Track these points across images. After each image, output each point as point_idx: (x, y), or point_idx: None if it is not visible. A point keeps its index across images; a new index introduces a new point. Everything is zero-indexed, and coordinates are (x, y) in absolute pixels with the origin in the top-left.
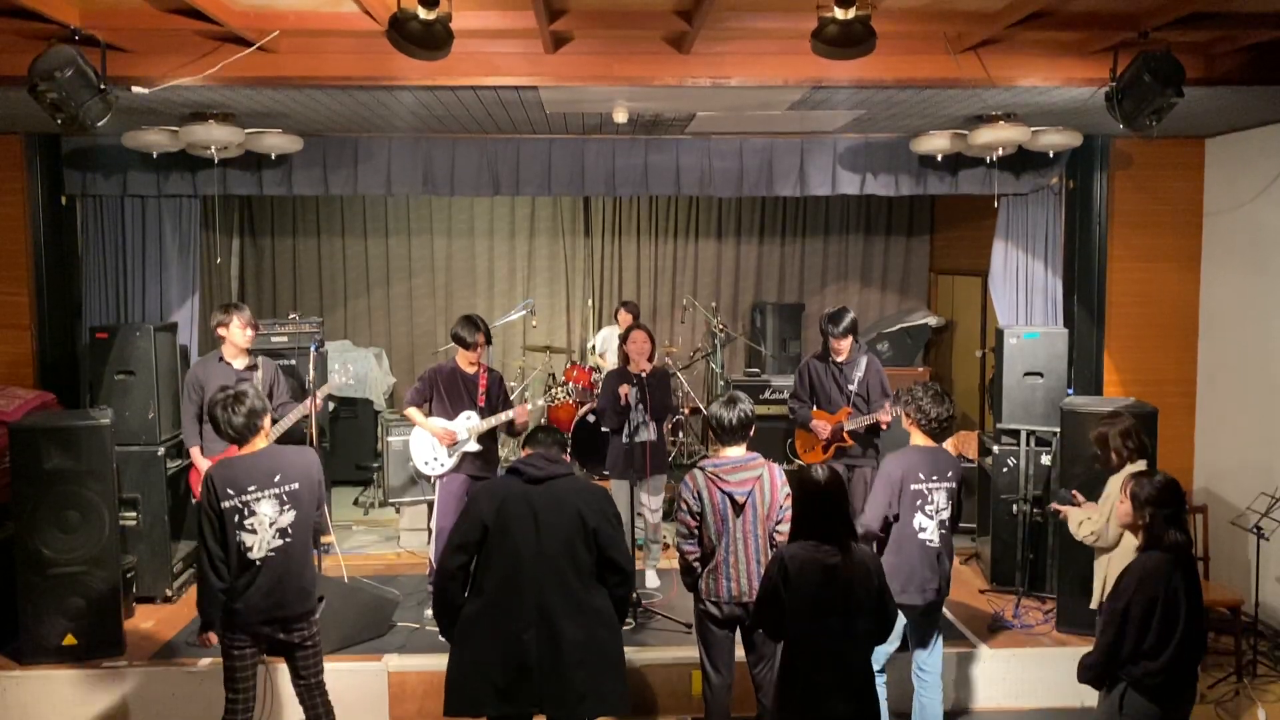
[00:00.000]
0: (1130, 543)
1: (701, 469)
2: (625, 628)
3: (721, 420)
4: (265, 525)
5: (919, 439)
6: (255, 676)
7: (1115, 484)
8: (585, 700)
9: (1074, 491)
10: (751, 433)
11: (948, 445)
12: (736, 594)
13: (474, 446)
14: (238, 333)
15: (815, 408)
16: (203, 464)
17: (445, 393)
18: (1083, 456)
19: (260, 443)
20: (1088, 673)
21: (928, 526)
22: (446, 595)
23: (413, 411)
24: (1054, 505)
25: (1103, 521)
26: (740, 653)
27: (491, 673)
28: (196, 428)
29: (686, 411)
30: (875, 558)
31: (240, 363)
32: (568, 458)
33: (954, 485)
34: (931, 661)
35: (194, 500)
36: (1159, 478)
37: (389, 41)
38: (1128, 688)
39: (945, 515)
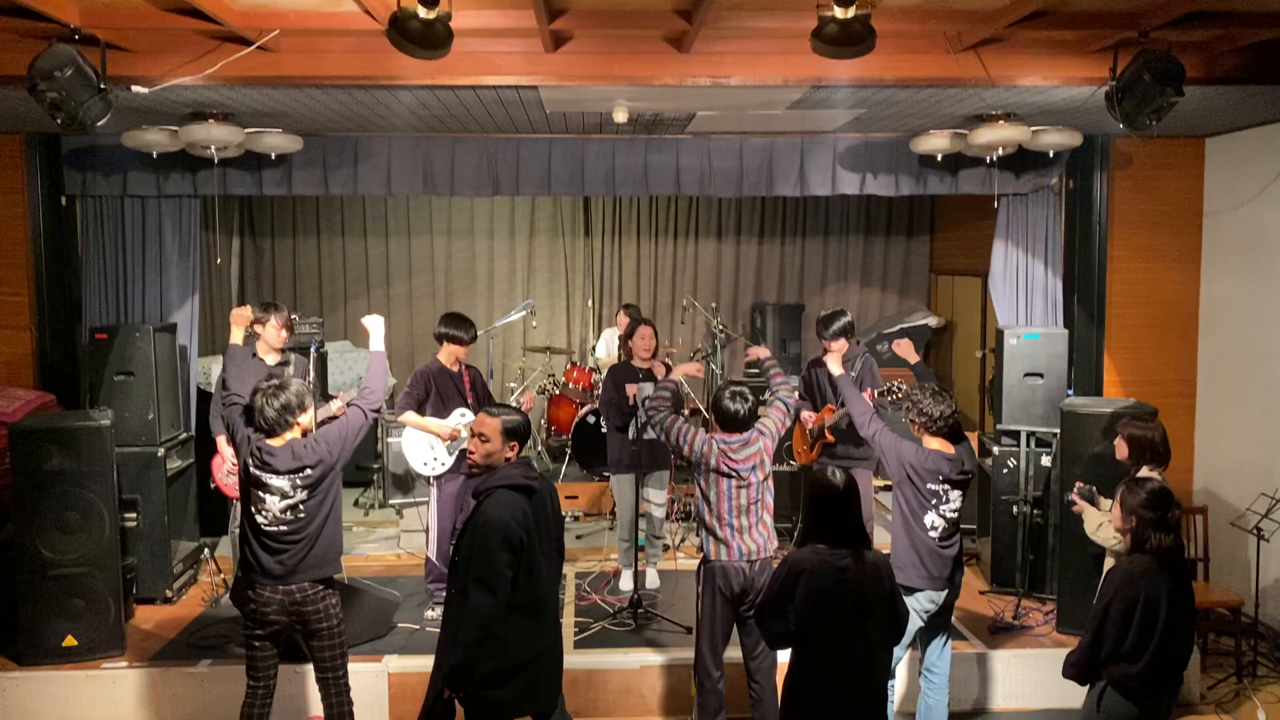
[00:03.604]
0: None
1: (714, 438)
2: (625, 628)
3: (736, 413)
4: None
5: (933, 443)
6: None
7: None
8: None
9: (1093, 487)
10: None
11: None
12: (747, 553)
13: None
14: (272, 333)
15: (815, 408)
16: (227, 451)
17: (439, 392)
18: (1083, 457)
19: (290, 435)
20: (1070, 669)
21: (939, 525)
22: (483, 636)
23: (410, 416)
24: (1073, 495)
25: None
26: (734, 654)
27: (541, 686)
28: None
29: (687, 412)
30: (886, 560)
31: (273, 359)
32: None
33: (968, 481)
34: (941, 664)
35: (212, 486)
36: (1149, 484)
37: (389, 41)
38: (1107, 686)
39: (956, 516)
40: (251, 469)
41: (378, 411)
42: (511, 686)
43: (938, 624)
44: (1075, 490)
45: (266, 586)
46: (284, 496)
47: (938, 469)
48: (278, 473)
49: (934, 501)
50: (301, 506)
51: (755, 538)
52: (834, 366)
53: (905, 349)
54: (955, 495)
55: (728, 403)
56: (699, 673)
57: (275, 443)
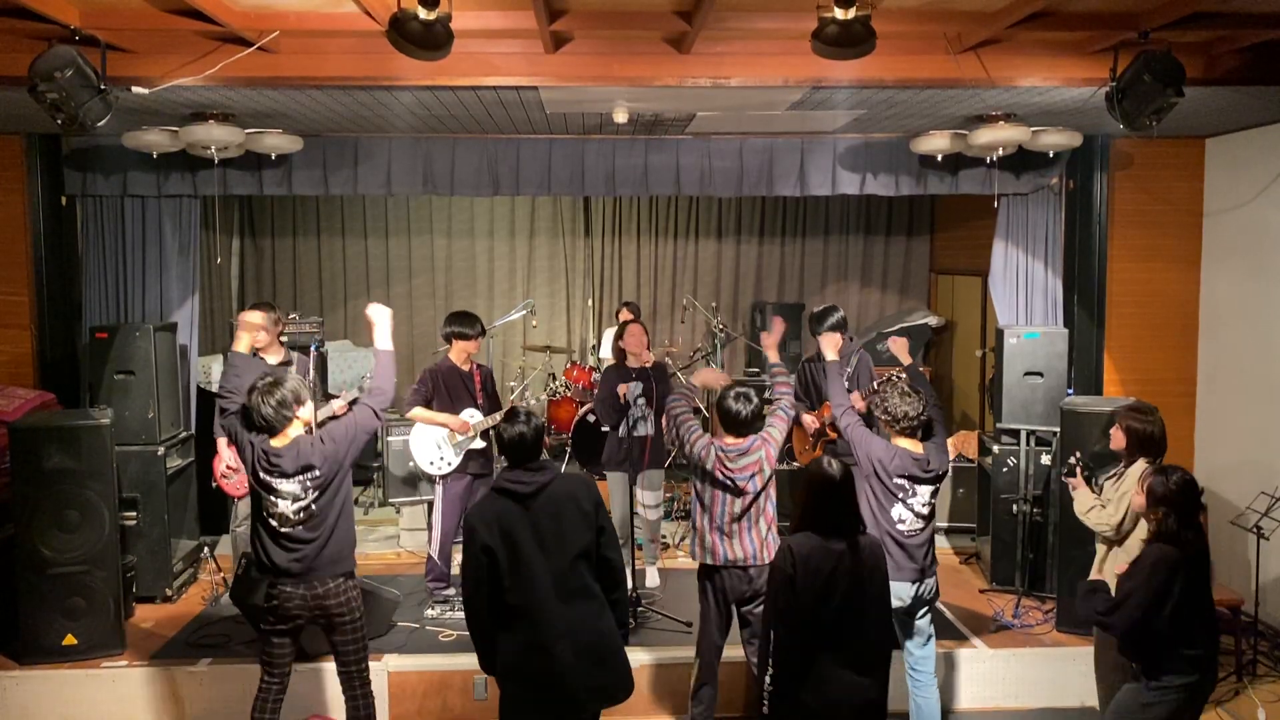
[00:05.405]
0: (1135, 540)
1: (714, 443)
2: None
3: (738, 414)
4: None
5: (902, 441)
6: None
7: (1131, 479)
8: (605, 692)
9: (1089, 464)
10: (759, 425)
11: (950, 444)
12: (734, 558)
13: (479, 443)
14: (262, 336)
15: (812, 406)
16: (225, 453)
17: (448, 391)
18: (1083, 457)
19: (292, 431)
20: (1088, 606)
21: (907, 518)
22: (474, 629)
23: (419, 411)
24: (1074, 462)
25: (1118, 517)
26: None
27: (541, 698)
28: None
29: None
30: (878, 546)
31: (273, 358)
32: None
33: (937, 479)
34: (924, 664)
35: (213, 484)
36: (1181, 473)
37: (389, 41)
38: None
39: (927, 511)
40: (260, 474)
41: (388, 410)
42: (511, 691)
43: (915, 621)
44: (1073, 458)
45: (288, 584)
46: (295, 499)
47: (903, 467)
48: (286, 475)
49: (900, 495)
50: (314, 506)
51: (745, 545)
52: (829, 353)
53: (899, 348)
54: (924, 490)
55: (730, 403)
56: (698, 667)
57: (278, 443)
